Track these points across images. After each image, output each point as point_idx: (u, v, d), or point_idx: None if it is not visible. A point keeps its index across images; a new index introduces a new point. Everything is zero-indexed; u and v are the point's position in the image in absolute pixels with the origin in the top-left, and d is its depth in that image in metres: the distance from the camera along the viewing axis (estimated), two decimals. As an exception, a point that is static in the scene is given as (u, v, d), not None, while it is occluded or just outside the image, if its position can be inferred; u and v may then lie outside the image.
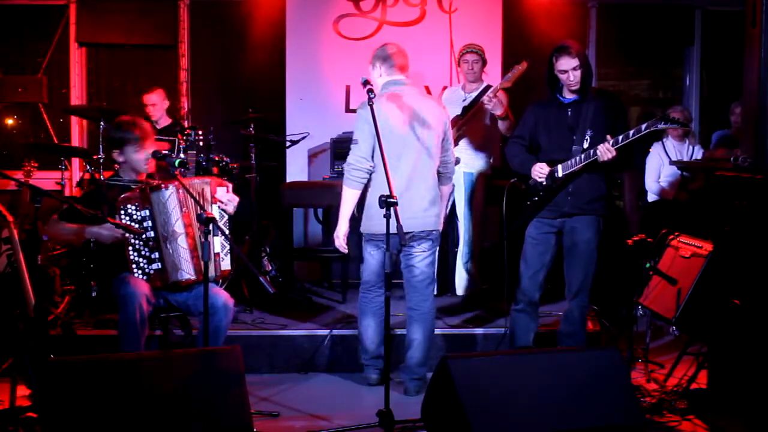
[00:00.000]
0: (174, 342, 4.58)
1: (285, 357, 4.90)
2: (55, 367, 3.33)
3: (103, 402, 3.27)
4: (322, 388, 4.62)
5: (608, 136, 4.21)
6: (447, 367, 3.49)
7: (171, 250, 4.14)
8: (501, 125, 5.32)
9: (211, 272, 4.23)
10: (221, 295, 4.21)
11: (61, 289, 5.31)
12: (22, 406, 3.89)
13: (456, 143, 5.54)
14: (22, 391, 4.01)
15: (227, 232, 4.22)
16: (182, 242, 4.15)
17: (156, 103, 6.36)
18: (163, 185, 4.13)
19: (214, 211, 4.26)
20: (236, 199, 4.41)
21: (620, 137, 4.19)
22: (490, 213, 5.65)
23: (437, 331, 5.00)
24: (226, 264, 4.33)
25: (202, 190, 4.26)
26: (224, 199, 4.32)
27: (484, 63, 5.59)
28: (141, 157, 4.27)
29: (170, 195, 4.12)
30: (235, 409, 3.47)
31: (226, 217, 4.34)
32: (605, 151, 4.20)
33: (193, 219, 4.17)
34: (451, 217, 5.70)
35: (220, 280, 4.51)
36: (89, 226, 4.11)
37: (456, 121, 5.51)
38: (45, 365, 3.48)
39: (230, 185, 4.44)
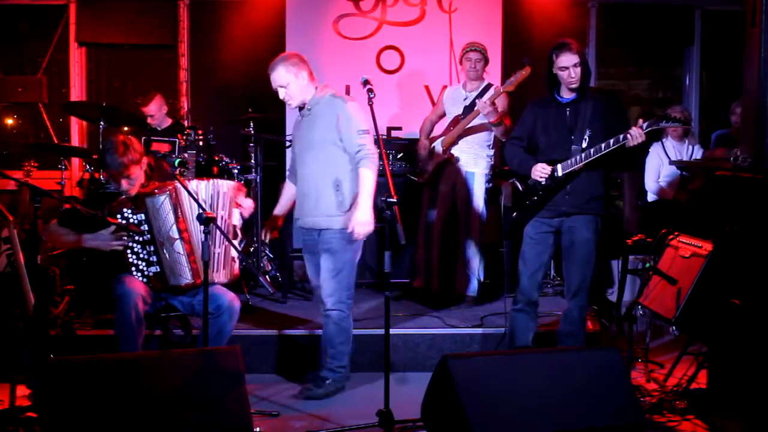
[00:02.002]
0: (174, 342, 4.58)
1: (285, 357, 4.90)
2: (55, 367, 3.33)
3: (103, 402, 3.27)
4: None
5: (640, 120, 4.18)
6: (447, 366, 3.49)
7: (168, 255, 4.16)
8: (496, 131, 5.34)
9: (222, 278, 4.31)
10: (227, 296, 4.22)
11: (61, 289, 5.31)
12: (22, 406, 3.89)
13: (456, 142, 5.54)
14: (22, 391, 4.01)
15: (240, 235, 4.39)
16: (178, 247, 4.16)
17: (154, 113, 6.36)
18: (156, 191, 4.14)
19: (234, 216, 4.35)
20: (252, 204, 4.53)
21: (645, 123, 4.16)
22: (489, 213, 5.65)
23: (437, 331, 5.01)
24: (235, 267, 4.41)
25: (220, 192, 4.30)
26: (244, 204, 4.43)
27: (487, 62, 5.59)
28: (123, 187, 4.24)
29: (164, 201, 4.13)
30: (235, 409, 3.47)
31: (242, 221, 4.44)
32: (637, 136, 4.15)
33: (190, 223, 4.18)
34: (452, 217, 5.69)
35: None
36: (87, 236, 4.14)
37: (457, 120, 5.51)
38: (45, 365, 3.48)
39: (245, 190, 4.56)
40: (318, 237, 4.42)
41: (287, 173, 4.76)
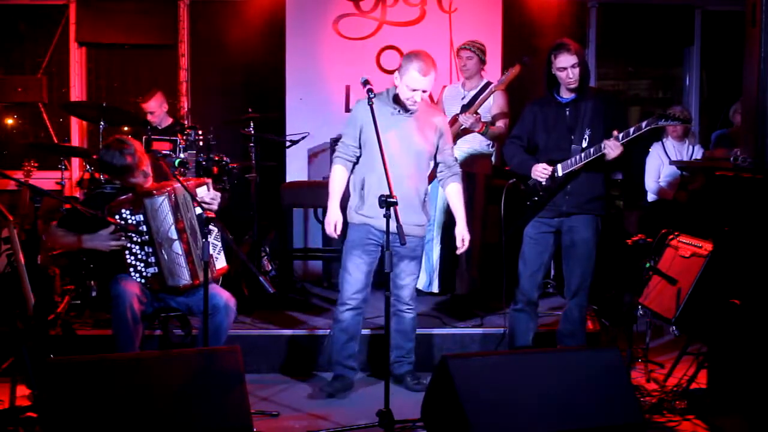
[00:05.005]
0: (174, 342, 4.58)
1: (285, 357, 4.91)
2: (55, 367, 3.34)
3: (103, 402, 3.27)
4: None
5: (615, 132, 4.20)
6: (447, 367, 3.49)
7: (166, 256, 4.15)
8: (486, 138, 5.38)
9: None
10: (222, 295, 4.22)
11: (61, 289, 5.31)
12: (22, 406, 3.89)
13: (454, 142, 5.53)
14: (22, 391, 4.01)
15: (215, 230, 4.23)
16: (177, 248, 4.15)
17: (154, 110, 6.35)
18: (155, 192, 4.13)
19: (198, 213, 4.27)
20: (218, 195, 4.40)
21: (621, 134, 4.18)
22: (489, 213, 5.64)
23: (437, 330, 5.01)
24: (220, 262, 4.38)
25: (183, 195, 4.24)
26: (207, 199, 4.31)
27: (481, 60, 5.57)
28: (138, 182, 4.24)
29: (162, 202, 4.12)
30: (235, 409, 3.47)
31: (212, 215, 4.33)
32: (612, 147, 4.18)
33: (187, 224, 4.18)
34: (451, 217, 5.68)
35: (219, 278, 4.52)
36: (86, 236, 4.13)
37: (455, 119, 5.50)
38: (45, 365, 3.48)
39: (210, 181, 4.44)
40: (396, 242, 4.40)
41: (343, 158, 4.41)
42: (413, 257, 4.44)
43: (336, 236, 4.43)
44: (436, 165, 4.51)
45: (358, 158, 4.42)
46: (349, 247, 4.43)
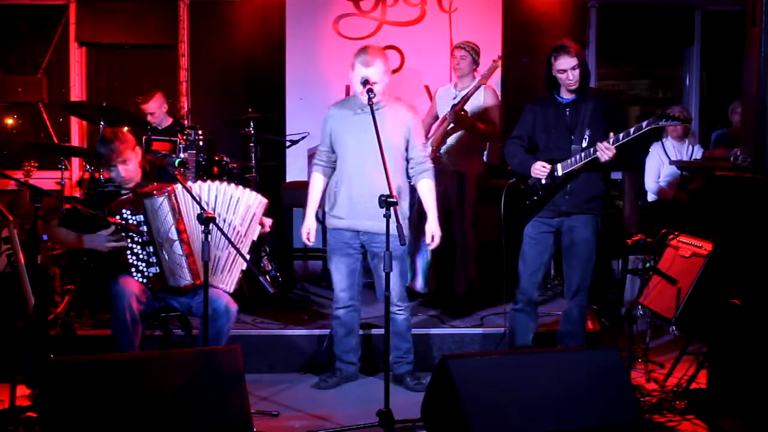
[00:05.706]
0: (174, 342, 4.58)
1: (285, 357, 4.91)
2: (55, 367, 3.34)
3: (103, 402, 3.27)
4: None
5: (611, 134, 4.20)
6: (447, 366, 3.49)
7: (167, 256, 4.15)
8: (477, 135, 5.36)
9: (220, 283, 4.29)
10: (223, 299, 4.21)
11: (61, 289, 5.31)
12: (22, 406, 3.89)
13: (445, 142, 5.52)
14: (22, 391, 4.01)
15: (247, 250, 4.35)
16: (177, 248, 4.16)
17: (154, 111, 6.35)
18: (155, 192, 4.13)
19: (255, 233, 4.37)
20: (271, 222, 4.53)
21: (620, 135, 4.19)
22: (488, 212, 5.63)
23: (437, 330, 5.01)
24: (233, 285, 4.37)
25: (250, 206, 4.33)
26: (267, 223, 4.47)
27: (474, 61, 5.57)
28: (120, 176, 4.25)
29: (162, 202, 4.12)
30: (235, 409, 3.47)
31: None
32: (605, 150, 4.19)
33: (189, 224, 4.18)
34: (446, 218, 5.68)
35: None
36: (87, 236, 4.14)
37: (444, 119, 5.49)
38: (45, 365, 3.48)
39: (266, 201, 4.52)
40: (371, 242, 4.44)
41: (320, 165, 4.55)
42: (393, 257, 4.28)
43: (310, 244, 4.55)
44: (408, 161, 4.50)
45: (335, 163, 4.50)
46: (328, 251, 4.62)
